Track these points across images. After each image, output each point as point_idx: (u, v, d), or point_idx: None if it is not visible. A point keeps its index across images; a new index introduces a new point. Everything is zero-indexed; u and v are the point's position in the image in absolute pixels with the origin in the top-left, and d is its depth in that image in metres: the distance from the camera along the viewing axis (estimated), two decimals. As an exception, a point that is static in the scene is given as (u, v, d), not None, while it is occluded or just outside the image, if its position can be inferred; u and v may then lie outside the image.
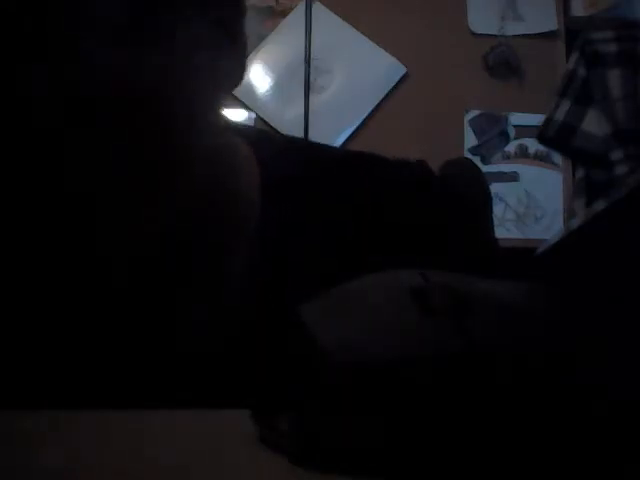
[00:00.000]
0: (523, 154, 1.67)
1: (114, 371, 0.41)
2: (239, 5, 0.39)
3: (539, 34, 1.69)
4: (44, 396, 0.38)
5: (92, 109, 0.32)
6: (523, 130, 1.68)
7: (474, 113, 1.66)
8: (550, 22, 1.70)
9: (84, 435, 0.33)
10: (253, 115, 1.60)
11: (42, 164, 0.32)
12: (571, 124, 1.61)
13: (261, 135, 0.53)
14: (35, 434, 0.33)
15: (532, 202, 1.65)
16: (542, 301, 0.36)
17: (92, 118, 0.32)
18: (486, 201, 1.48)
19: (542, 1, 1.71)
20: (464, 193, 0.59)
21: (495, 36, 1.68)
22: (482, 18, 1.69)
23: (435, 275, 0.35)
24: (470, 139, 1.66)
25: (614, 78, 1.58)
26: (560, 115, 1.62)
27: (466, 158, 1.65)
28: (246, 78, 0.42)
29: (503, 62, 1.66)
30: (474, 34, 1.68)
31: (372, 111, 1.62)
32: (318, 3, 1.66)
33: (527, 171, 1.66)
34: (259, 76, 1.61)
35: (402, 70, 1.63)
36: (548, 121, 1.63)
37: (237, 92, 1.54)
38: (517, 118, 1.67)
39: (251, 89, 1.60)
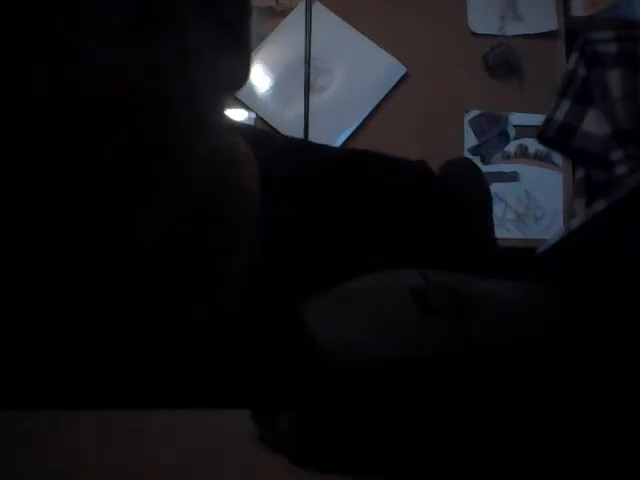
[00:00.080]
0: (523, 154, 1.67)
1: (114, 371, 0.41)
2: (245, 5, 0.39)
3: (539, 34, 1.69)
4: (44, 396, 0.38)
5: (92, 109, 0.32)
6: (523, 130, 1.68)
7: (474, 113, 1.66)
8: (550, 22, 1.70)
9: (84, 435, 0.33)
10: (253, 115, 1.60)
11: (42, 164, 0.32)
12: (571, 124, 1.61)
13: (261, 135, 0.53)
14: (35, 434, 0.33)
15: (532, 202, 1.65)
16: (542, 301, 0.36)
17: (92, 118, 0.32)
18: (486, 201, 1.48)
19: (542, 1, 1.71)
20: (464, 193, 0.59)
21: (495, 36, 1.68)
22: (482, 18, 1.69)
23: (435, 275, 0.35)
24: (470, 139, 1.66)
25: (614, 78, 1.58)
26: (560, 115, 1.62)
27: (466, 158, 1.65)
28: (249, 79, 0.41)
29: (503, 62, 1.66)
30: (474, 34, 1.68)
31: (372, 111, 1.62)
32: (318, 3, 1.66)
33: (527, 171, 1.66)
34: (259, 76, 1.61)
35: (402, 70, 1.63)
36: (548, 121, 1.63)
37: (237, 92, 1.53)
38: (517, 118, 1.67)
39: (251, 89, 1.60)
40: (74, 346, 0.40)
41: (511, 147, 1.67)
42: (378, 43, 1.64)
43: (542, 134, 1.64)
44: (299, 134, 1.58)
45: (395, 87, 1.64)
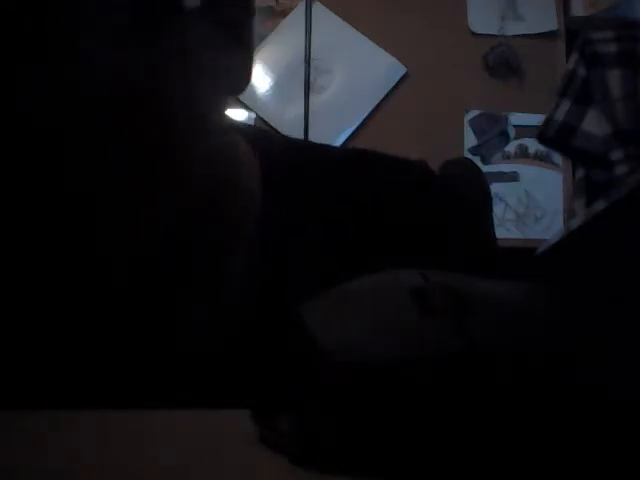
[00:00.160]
0: (523, 154, 1.67)
1: (114, 371, 0.41)
2: (247, 6, 0.39)
3: (539, 34, 1.69)
4: (44, 396, 0.38)
5: (92, 109, 0.32)
6: (523, 130, 1.68)
7: (474, 113, 1.66)
8: (550, 22, 1.70)
9: (84, 435, 0.33)
10: (253, 115, 1.60)
11: (42, 164, 0.32)
12: (571, 124, 1.61)
13: (261, 134, 0.53)
14: (35, 434, 0.33)
15: (532, 202, 1.65)
16: (542, 301, 0.36)
17: (92, 118, 0.32)
18: (486, 201, 1.48)
19: (542, 1, 1.71)
20: (464, 193, 0.59)
21: (495, 36, 1.68)
22: (482, 18, 1.69)
23: (435, 275, 0.35)
24: (470, 139, 1.66)
25: (614, 78, 1.58)
26: (560, 115, 1.62)
27: (466, 158, 1.64)
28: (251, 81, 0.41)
29: (503, 62, 1.66)
30: (474, 34, 1.68)
31: (372, 111, 1.62)
32: (318, 3, 1.66)
33: (527, 171, 1.66)
34: (259, 76, 1.61)
35: (402, 70, 1.63)
36: (548, 121, 1.63)
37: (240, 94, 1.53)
38: (517, 118, 1.67)
39: (251, 89, 1.60)
40: (74, 346, 0.40)
41: (511, 147, 1.67)
42: (378, 43, 1.64)
43: (542, 134, 1.64)
44: (299, 134, 1.58)
45: (395, 87, 1.64)
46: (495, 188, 1.64)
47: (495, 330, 0.32)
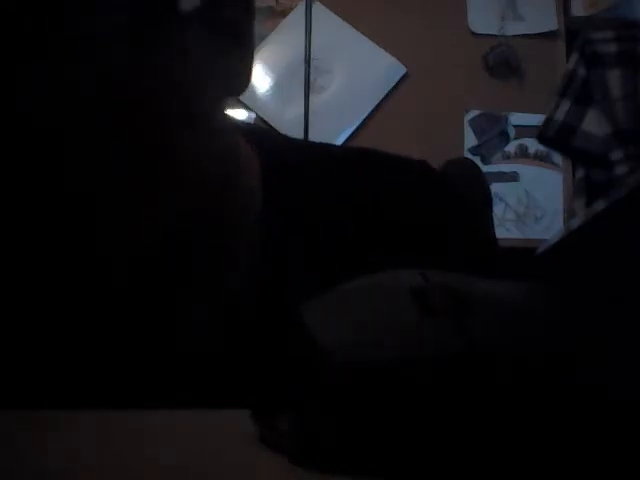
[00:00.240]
0: (523, 154, 1.68)
1: (114, 371, 0.41)
2: (248, 7, 0.39)
3: (539, 34, 1.69)
4: (44, 396, 0.38)
5: (92, 109, 0.32)
6: (523, 130, 1.68)
7: (474, 113, 1.66)
8: (550, 22, 1.70)
9: (84, 435, 0.33)
10: (253, 115, 1.60)
11: (42, 164, 0.32)
12: (571, 124, 1.61)
13: (262, 134, 0.53)
14: (35, 434, 0.33)
15: (532, 202, 1.65)
16: (542, 301, 0.36)
17: (92, 118, 0.32)
18: (486, 201, 1.48)
19: (542, 1, 1.71)
20: (464, 193, 0.59)
21: (495, 36, 1.68)
22: (482, 18, 1.69)
23: (435, 275, 0.35)
24: (470, 139, 1.66)
25: (614, 78, 1.59)
26: (560, 115, 1.62)
27: (466, 158, 1.65)
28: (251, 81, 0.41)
29: (503, 62, 1.67)
30: (474, 34, 1.69)
31: (372, 111, 1.62)
32: (318, 3, 1.66)
33: (527, 171, 1.66)
34: (259, 76, 1.61)
35: (402, 70, 1.63)
36: (548, 121, 1.64)
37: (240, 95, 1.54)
38: (517, 118, 1.67)
39: (251, 89, 1.60)
40: (74, 346, 0.40)
41: (511, 147, 1.67)
42: (378, 43, 1.64)
43: (542, 134, 1.64)
44: (299, 134, 1.58)
45: (395, 87, 1.64)
46: (495, 188, 1.64)
47: (495, 330, 0.32)
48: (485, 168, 1.65)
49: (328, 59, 1.64)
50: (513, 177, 1.67)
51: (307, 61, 1.63)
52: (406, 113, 1.62)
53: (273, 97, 1.62)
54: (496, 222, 1.62)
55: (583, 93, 1.61)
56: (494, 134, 1.68)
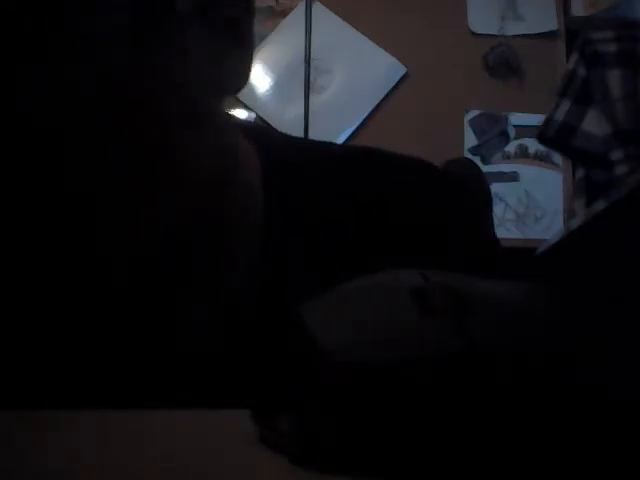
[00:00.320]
0: (523, 154, 1.68)
1: (114, 371, 0.41)
2: (248, 6, 0.39)
3: (539, 34, 1.69)
4: (44, 396, 0.38)
5: (92, 109, 0.32)
6: (523, 130, 1.68)
7: (474, 113, 1.66)
8: (550, 22, 1.70)
9: (84, 435, 0.33)
10: (253, 115, 1.60)
11: (42, 164, 0.32)
12: (571, 124, 1.61)
13: (261, 131, 0.53)
14: (35, 434, 0.33)
15: (532, 202, 1.65)
16: (542, 301, 0.36)
17: (92, 118, 0.32)
18: (486, 201, 1.48)
19: (542, 1, 1.71)
20: (464, 193, 0.59)
21: (495, 36, 1.68)
22: (482, 18, 1.69)
23: (435, 275, 0.35)
24: (470, 139, 1.66)
25: (614, 78, 1.59)
26: (560, 115, 1.62)
27: (466, 158, 1.65)
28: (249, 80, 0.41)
29: (503, 62, 1.67)
30: (474, 34, 1.69)
31: (372, 111, 1.62)
32: (318, 3, 1.66)
33: (527, 171, 1.66)
34: (259, 76, 1.61)
35: (402, 70, 1.63)
36: (548, 121, 1.64)
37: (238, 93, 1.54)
38: (517, 118, 1.67)
39: (251, 89, 1.60)
40: (74, 346, 0.40)
41: (511, 147, 1.67)
42: (378, 43, 1.64)
43: (542, 134, 1.64)
44: (299, 134, 1.58)
45: (395, 87, 1.64)
46: (495, 188, 1.64)
47: (495, 330, 0.32)
48: (485, 168, 1.65)
49: (328, 59, 1.64)
50: (513, 177, 1.67)
51: (307, 61, 1.62)
52: (406, 113, 1.62)
53: (273, 97, 1.62)
54: (496, 222, 1.62)
55: (583, 93, 1.61)
56: (494, 134, 1.68)
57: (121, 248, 0.37)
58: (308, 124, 1.60)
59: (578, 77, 1.62)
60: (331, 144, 0.61)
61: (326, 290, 0.35)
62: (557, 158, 1.67)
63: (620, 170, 1.54)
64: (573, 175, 1.65)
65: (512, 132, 1.68)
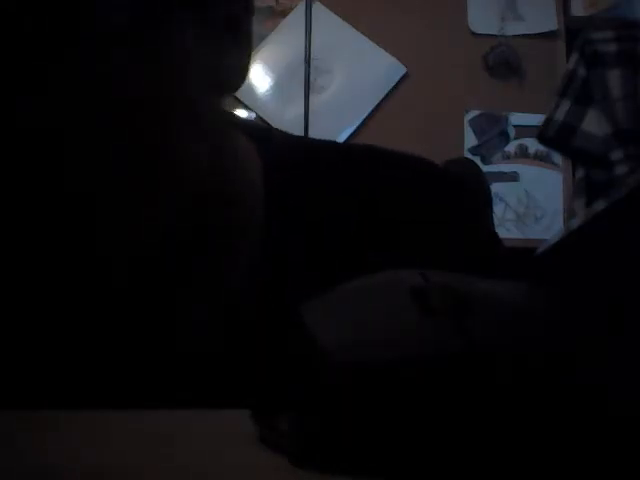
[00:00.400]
0: (523, 154, 1.68)
1: (114, 371, 0.41)
2: (247, 5, 0.39)
3: (539, 34, 1.70)
4: (44, 396, 0.38)
5: (92, 109, 0.32)
6: (523, 130, 1.68)
7: (474, 113, 1.66)
8: (550, 22, 1.70)
9: (84, 435, 0.33)
10: (253, 115, 1.60)
11: (42, 164, 0.32)
12: (571, 124, 1.62)
13: (262, 130, 0.53)
14: (35, 434, 0.33)
15: (532, 202, 1.66)
16: (542, 301, 0.36)
17: (92, 118, 0.32)
18: (486, 201, 1.48)
19: (542, 1, 1.71)
20: (464, 192, 0.59)
21: (495, 36, 1.68)
22: (482, 18, 1.69)
23: (435, 275, 0.35)
24: (470, 139, 1.66)
25: (614, 78, 1.59)
26: (560, 115, 1.62)
27: (466, 158, 1.65)
28: (247, 78, 0.41)
29: (503, 62, 1.67)
30: (474, 34, 1.69)
31: (372, 111, 1.62)
32: (318, 3, 1.66)
33: (527, 171, 1.66)
34: (259, 76, 1.61)
35: (402, 70, 1.64)
36: (548, 121, 1.64)
37: (237, 92, 1.54)
38: (517, 118, 1.67)
39: (251, 89, 1.60)
40: (74, 346, 0.40)
41: (511, 147, 1.67)
42: (378, 43, 1.64)
43: (542, 134, 1.64)
44: (299, 134, 1.58)
45: (395, 87, 1.64)
46: (495, 188, 1.64)
47: (495, 330, 0.32)
48: (485, 168, 1.65)
49: (328, 59, 1.64)
50: (513, 177, 1.68)
51: (307, 61, 1.63)
52: (406, 113, 1.62)
53: (273, 97, 1.62)
54: (496, 222, 1.63)
55: (583, 93, 1.61)
56: (494, 134, 1.68)
57: (121, 248, 0.37)
58: (308, 124, 1.60)
59: (578, 77, 1.62)
60: (332, 142, 0.60)
61: (326, 290, 0.35)
62: (557, 158, 1.67)
63: (620, 170, 1.54)
64: (573, 175, 1.65)
65: (512, 132, 1.69)
